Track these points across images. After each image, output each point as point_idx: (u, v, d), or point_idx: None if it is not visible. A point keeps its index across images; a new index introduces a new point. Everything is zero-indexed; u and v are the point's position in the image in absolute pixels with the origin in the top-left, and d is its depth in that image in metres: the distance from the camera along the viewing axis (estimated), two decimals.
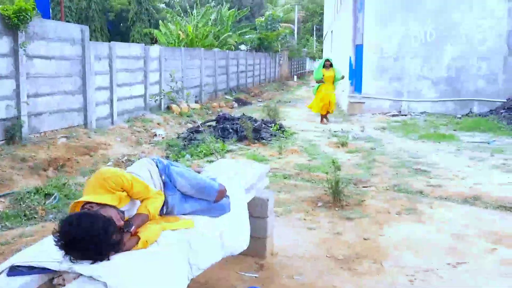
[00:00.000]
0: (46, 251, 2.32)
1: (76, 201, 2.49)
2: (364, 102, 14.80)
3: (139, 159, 8.96)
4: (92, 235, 2.19)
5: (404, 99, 14.73)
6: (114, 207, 2.46)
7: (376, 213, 5.40)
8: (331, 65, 13.37)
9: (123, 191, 2.54)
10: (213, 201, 3.02)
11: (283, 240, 4.56)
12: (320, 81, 13.48)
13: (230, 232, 3.16)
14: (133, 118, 12.60)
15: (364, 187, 6.57)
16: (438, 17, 14.17)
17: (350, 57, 14.69)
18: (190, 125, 14.12)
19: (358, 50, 14.70)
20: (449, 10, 14.05)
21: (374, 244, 4.50)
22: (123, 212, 2.47)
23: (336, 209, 5.58)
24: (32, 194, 6.40)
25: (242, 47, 31.64)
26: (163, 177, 2.90)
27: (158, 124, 13.00)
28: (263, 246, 4.07)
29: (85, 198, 2.44)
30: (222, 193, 3.07)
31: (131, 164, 8.71)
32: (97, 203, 2.40)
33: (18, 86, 8.44)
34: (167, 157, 9.38)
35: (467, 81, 14.21)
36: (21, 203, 6.15)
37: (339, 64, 18.83)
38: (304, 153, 8.99)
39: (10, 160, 7.61)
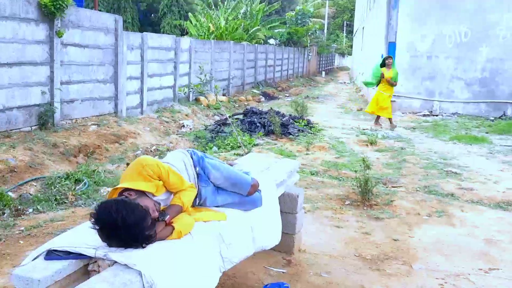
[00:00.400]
0: (82, 237, 2.35)
1: (114, 187, 2.51)
2: (395, 101, 14.56)
3: (168, 150, 9.11)
4: (127, 224, 2.20)
5: (436, 99, 14.46)
6: (150, 197, 2.47)
7: (406, 214, 5.32)
8: (392, 63, 11.70)
9: (159, 180, 2.55)
10: (245, 194, 3.01)
11: (310, 237, 4.53)
12: (372, 84, 12.10)
13: (262, 227, 3.15)
14: (162, 108, 12.72)
15: (393, 187, 6.48)
16: (474, 17, 13.83)
17: (382, 55, 14.47)
18: (217, 118, 14.19)
19: (391, 48, 14.47)
20: (486, 10, 13.69)
21: (403, 246, 4.43)
22: (159, 203, 2.49)
23: (365, 208, 5.52)
24: (63, 179, 6.52)
25: (271, 41, 31.59)
26: (197, 169, 2.91)
27: (186, 115, 13.09)
28: (291, 242, 4.05)
29: (123, 184, 2.46)
30: (255, 187, 3.05)
31: (160, 153, 8.87)
32: (135, 191, 2.42)
33: (52, 73, 8.61)
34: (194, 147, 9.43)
35: (501, 83, 13.85)
36: (52, 187, 6.27)
37: (370, 62, 18.62)
38: (332, 150, 8.91)
39: (42, 145, 7.77)
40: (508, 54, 13.65)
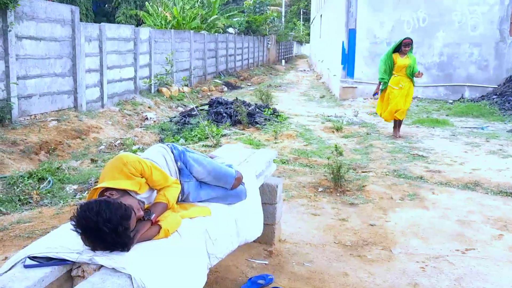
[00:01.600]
0: (63, 241, 2.20)
1: (94, 187, 2.36)
2: (356, 87, 14.74)
3: (133, 144, 8.86)
4: (112, 226, 2.07)
5: None
6: (134, 196, 2.34)
7: (379, 199, 5.36)
8: (410, 48, 8.48)
9: (142, 178, 2.42)
10: (229, 188, 2.92)
11: (289, 226, 4.50)
12: (385, 80, 8.69)
13: (245, 220, 3.07)
14: (123, 101, 12.38)
15: (363, 172, 6.53)
16: (430, 3, 14.09)
17: (343, 42, 14.57)
18: (181, 109, 13.96)
19: (351, 34, 14.58)
20: None
21: (381, 231, 4.45)
22: (143, 202, 2.36)
23: (338, 194, 5.53)
24: (26, 178, 6.25)
25: (230, 30, 31.28)
26: (178, 164, 2.79)
27: (149, 107, 12.80)
28: (271, 232, 4.00)
29: (104, 184, 2.32)
30: (239, 180, 2.97)
31: (125, 147, 8.62)
32: (117, 190, 2.28)
33: (7, 67, 8.20)
34: (160, 141, 9.24)
35: (458, 67, 14.22)
36: (15, 187, 5.99)
37: (331, 49, 18.72)
38: (300, 138, 8.92)
39: (1, 143, 7.42)
40: (463, 38, 14.01)
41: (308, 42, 51.28)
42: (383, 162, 7.04)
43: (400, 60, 8.43)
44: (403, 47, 8.39)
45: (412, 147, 8.09)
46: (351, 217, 4.81)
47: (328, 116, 11.44)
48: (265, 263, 3.75)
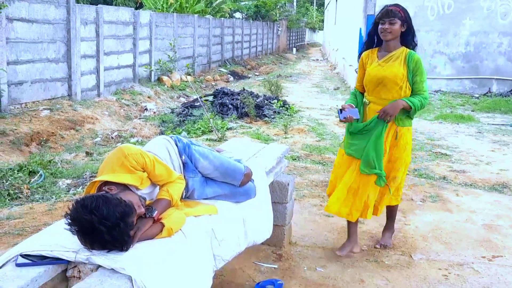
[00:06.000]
0: (58, 238, 2.21)
1: (92, 181, 2.37)
2: None
3: (131, 136, 8.89)
4: (110, 223, 2.08)
5: None
6: (134, 191, 2.34)
7: None
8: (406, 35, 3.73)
9: (143, 172, 2.42)
10: (238, 185, 2.91)
11: (300, 228, 4.49)
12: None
13: (254, 220, 3.07)
14: (121, 90, 12.41)
15: None
16: None
17: (360, 29, 14.50)
18: (183, 99, 13.99)
19: (370, 21, 14.48)
20: None
21: (400, 235, 4.44)
22: (144, 198, 2.36)
23: None
24: (15, 171, 6.28)
25: (237, 15, 31.24)
26: (183, 158, 2.79)
27: (148, 97, 12.83)
28: (281, 234, 3.99)
29: (102, 177, 2.32)
30: (248, 177, 2.96)
31: (123, 140, 8.64)
32: (116, 184, 2.29)
33: None
34: (161, 133, 9.26)
35: (486, 58, 14.13)
36: (4, 181, 6.02)
37: (346, 37, 18.64)
38: (312, 132, 8.90)
39: None
40: (492, 27, 13.91)
41: (322, 29, 51.13)
42: None
43: (375, 67, 3.73)
44: (381, 28, 3.67)
45: (434, 144, 8.05)
46: (367, 219, 4.78)
47: None
48: (274, 267, 3.75)
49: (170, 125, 9.98)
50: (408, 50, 3.68)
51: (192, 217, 2.56)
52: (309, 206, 5.11)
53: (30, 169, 6.37)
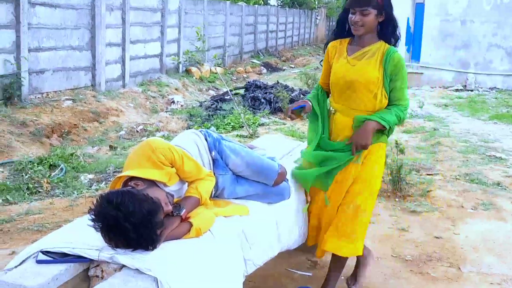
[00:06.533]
0: (80, 235, 2.26)
1: (117, 176, 2.41)
2: (422, 73, 14.49)
3: (157, 130, 9.01)
4: (136, 221, 2.11)
5: (471, 71, 14.38)
6: (162, 188, 2.37)
7: (447, 207, 5.26)
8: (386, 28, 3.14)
9: (172, 167, 2.45)
10: (271, 184, 2.92)
11: None
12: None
13: (287, 223, 3.08)
14: (147, 81, 12.59)
15: (428, 174, 6.42)
16: None
17: (408, 18, 14.35)
18: (212, 92, 14.09)
19: (418, 10, 14.34)
20: None
21: (447, 244, 4.37)
22: (172, 195, 2.39)
23: (397, 200, 5.46)
24: (35, 164, 6.45)
25: (272, 2, 31.23)
26: (212, 153, 2.82)
27: (175, 89, 12.98)
28: None
29: (129, 172, 2.36)
30: (282, 176, 2.97)
31: (148, 134, 8.77)
32: (143, 180, 2.32)
33: (18, 37, 8.44)
34: (188, 128, 9.35)
35: None
36: (23, 174, 6.20)
37: None
38: None
39: (9, 124, 7.66)
40: None
41: None
42: (452, 164, 6.91)
43: (343, 66, 3.16)
44: (351, 20, 3.04)
45: (488, 147, 7.90)
46: (413, 227, 4.73)
47: None
48: (309, 275, 3.74)
49: (198, 119, 10.07)
50: (387, 46, 3.09)
51: (222, 217, 2.58)
52: None
53: (51, 163, 6.53)
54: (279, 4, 30.95)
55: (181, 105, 11.59)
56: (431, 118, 10.20)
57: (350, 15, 3.00)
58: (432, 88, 14.14)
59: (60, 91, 9.56)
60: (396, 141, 5.78)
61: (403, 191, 5.59)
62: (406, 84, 3.12)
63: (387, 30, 3.09)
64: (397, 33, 3.14)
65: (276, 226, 2.98)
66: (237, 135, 8.16)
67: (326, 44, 3.30)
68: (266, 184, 2.93)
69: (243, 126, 8.65)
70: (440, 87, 14.39)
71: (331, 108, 3.22)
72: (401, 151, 5.66)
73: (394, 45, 3.15)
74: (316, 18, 33.98)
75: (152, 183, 2.36)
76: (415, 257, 4.13)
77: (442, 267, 3.97)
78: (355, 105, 3.09)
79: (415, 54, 14.59)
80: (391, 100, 3.09)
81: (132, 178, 2.35)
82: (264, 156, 3.01)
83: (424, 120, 9.99)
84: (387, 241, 4.40)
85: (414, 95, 13.41)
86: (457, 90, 14.10)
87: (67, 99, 9.32)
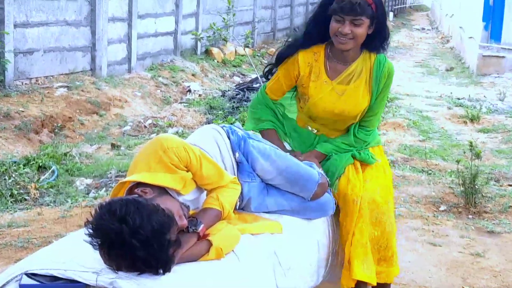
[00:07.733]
0: (74, 255, 2.27)
1: (121, 181, 2.42)
2: (504, 57, 14.29)
3: (169, 125, 9.07)
4: (142, 237, 2.11)
5: None
6: (175, 197, 2.38)
7: None
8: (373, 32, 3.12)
9: (187, 171, 2.45)
10: (308, 198, 2.89)
11: None
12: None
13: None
14: (158, 65, 12.70)
15: (510, 185, 6.37)
16: None
17: None
18: (237, 79, 14.14)
19: None
20: None
21: None
22: (187, 206, 2.39)
23: (470, 216, 5.44)
24: (21, 165, 6.54)
25: None
26: (236, 155, 2.81)
27: (192, 75, 13.05)
28: None
29: (135, 177, 2.37)
30: (323, 187, 2.93)
31: (158, 130, 8.83)
32: (152, 186, 2.33)
33: (1, 10, 8.56)
34: (208, 123, 9.39)
35: None
36: (6, 177, 6.27)
37: (465, 1, 18.27)
38: (413, 129, 8.86)
39: None
40: None
41: None
42: None
43: (328, 95, 3.18)
44: (337, 30, 2.98)
45: None
46: (490, 251, 4.70)
47: (458, 99, 11.25)
48: None
49: (220, 112, 10.11)
50: (372, 56, 3.13)
51: (249, 234, 2.57)
52: (408, 229, 5.06)
53: (40, 164, 6.63)
54: None
55: (199, 95, 11.65)
56: None
57: (334, 23, 2.96)
58: None
59: (52, 76, 9.70)
60: (471, 142, 5.74)
61: (478, 206, 5.58)
62: (388, 95, 3.33)
63: (373, 43, 3.10)
64: (387, 43, 3.17)
65: (318, 247, 2.96)
66: None
67: (288, 54, 3.20)
68: (302, 196, 2.90)
69: None
70: None
71: (311, 129, 3.34)
72: (477, 156, 5.62)
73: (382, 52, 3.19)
74: None
75: (163, 190, 2.37)
76: None
77: None
78: (339, 127, 3.28)
79: (494, 32, 14.37)
80: (365, 118, 3.23)
81: (138, 184, 2.36)
82: (301, 162, 2.99)
83: (505, 116, 9.90)
84: (456, 269, 4.38)
85: (494, 84, 13.28)
86: None
87: (60, 86, 9.45)
